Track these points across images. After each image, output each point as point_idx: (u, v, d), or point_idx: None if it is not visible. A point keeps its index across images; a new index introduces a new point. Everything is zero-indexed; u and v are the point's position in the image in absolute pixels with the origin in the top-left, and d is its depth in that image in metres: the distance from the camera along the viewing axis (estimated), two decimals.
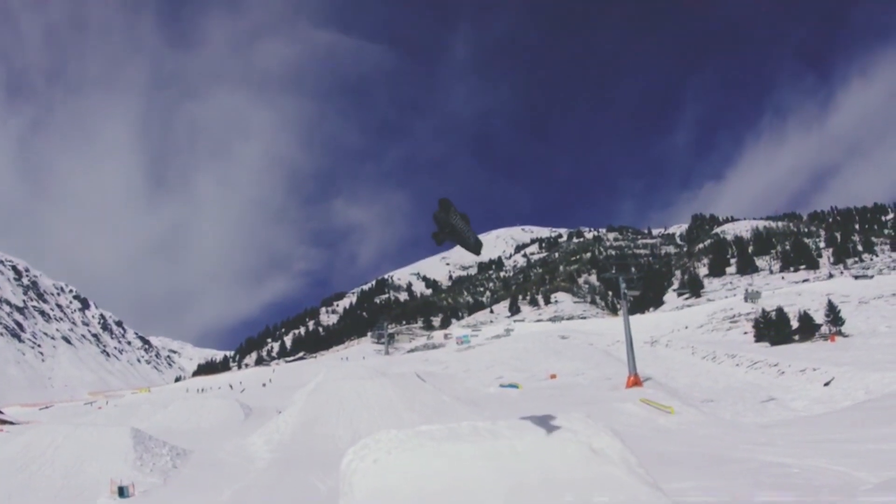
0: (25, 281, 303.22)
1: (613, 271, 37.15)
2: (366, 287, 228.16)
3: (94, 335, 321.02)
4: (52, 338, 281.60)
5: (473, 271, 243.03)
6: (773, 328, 44.95)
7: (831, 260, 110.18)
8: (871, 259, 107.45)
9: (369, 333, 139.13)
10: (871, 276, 78.84)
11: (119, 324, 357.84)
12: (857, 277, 79.44)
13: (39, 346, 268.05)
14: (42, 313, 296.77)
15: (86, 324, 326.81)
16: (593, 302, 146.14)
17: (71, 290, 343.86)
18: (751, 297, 70.37)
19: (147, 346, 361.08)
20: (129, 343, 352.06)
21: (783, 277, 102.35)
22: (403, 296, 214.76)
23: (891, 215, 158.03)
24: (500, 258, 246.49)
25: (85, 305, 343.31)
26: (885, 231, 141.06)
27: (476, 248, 7.02)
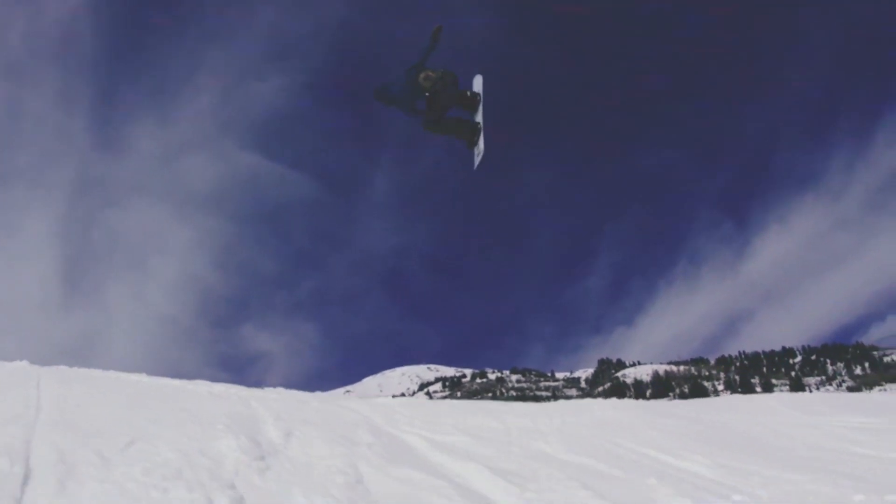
0: None
1: None
2: None
3: None
4: None
5: None
6: None
7: None
8: None
9: None
10: None
11: None
12: None
13: None
14: None
15: None
16: None
17: None
18: None
19: None
20: None
21: None
22: None
23: (799, 358, 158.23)
24: (402, 395, 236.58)
25: None
26: (792, 374, 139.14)
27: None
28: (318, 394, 7.85)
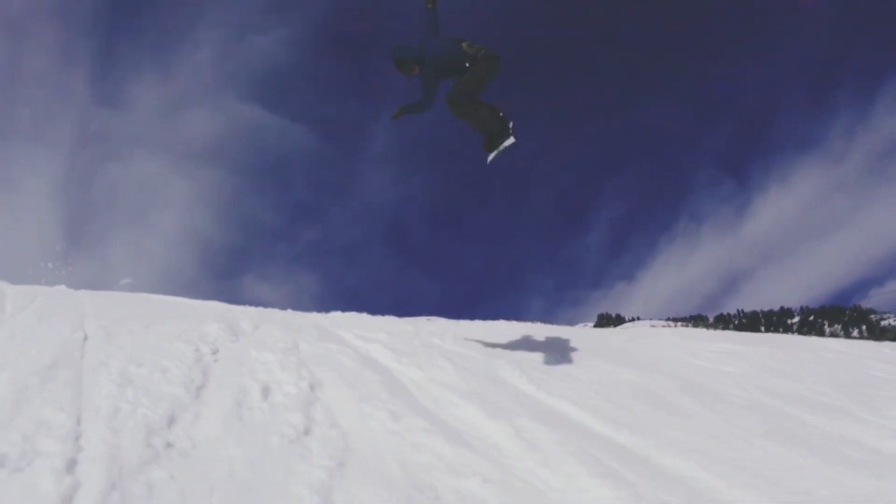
0: None
1: None
2: None
3: None
4: None
5: None
6: None
7: None
8: None
9: None
10: None
11: None
12: None
13: None
14: None
15: None
16: None
17: None
18: None
19: None
20: None
21: None
22: None
23: (796, 318, 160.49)
24: None
25: None
26: (789, 334, 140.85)
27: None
28: (290, 311, 10.09)
